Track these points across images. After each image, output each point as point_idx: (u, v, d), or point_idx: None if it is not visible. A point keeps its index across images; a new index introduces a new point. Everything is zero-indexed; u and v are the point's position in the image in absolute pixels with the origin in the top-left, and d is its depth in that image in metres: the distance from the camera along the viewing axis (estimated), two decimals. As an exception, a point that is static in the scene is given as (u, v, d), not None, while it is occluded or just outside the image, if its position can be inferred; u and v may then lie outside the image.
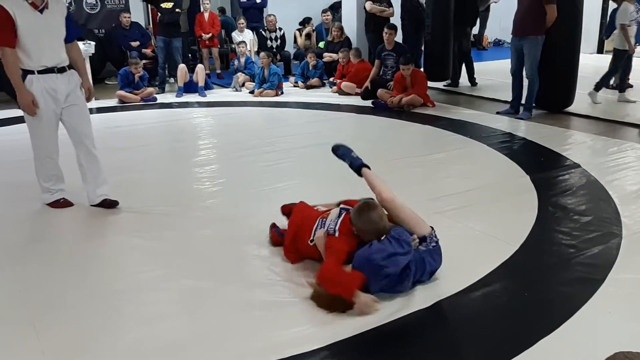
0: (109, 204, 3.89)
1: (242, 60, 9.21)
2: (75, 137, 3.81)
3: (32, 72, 3.55)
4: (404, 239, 2.70)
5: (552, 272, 2.98)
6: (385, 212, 2.84)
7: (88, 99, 3.90)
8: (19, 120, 6.84)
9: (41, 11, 3.52)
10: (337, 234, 2.80)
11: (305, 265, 2.98)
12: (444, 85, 8.55)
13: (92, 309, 2.66)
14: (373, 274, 2.61)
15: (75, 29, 3.95)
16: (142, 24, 10.29)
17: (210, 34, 10.13)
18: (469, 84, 8.53)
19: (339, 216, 2.91)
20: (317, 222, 2.97)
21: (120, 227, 3.67)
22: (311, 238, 2.94)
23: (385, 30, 7.87)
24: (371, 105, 7.42)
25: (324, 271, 2.67)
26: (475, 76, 8.55)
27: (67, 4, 8.77)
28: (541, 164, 4.84)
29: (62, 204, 3.95)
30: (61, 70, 3.65)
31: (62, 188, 3.98)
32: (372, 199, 2.93)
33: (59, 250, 3.33)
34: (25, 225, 3.72)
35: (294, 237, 3.06)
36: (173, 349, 2.34)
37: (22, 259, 3.20)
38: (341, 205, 3.06)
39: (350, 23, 9.71)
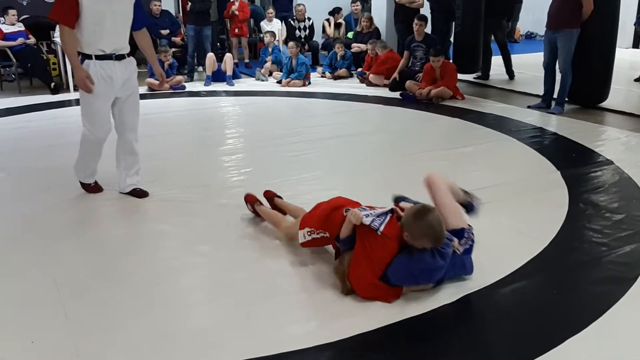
0: (139, 194, 3.91)
1: (270, 49, 9.22)
2: (121, 127, 3.80)
3: (89, 57, 3.50)
4: (447, 251, 2.58)
5: (582, 270, 2.91)
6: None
7: (160, 85, 4.05)
8: (49, 105, 7.02)
9: None
10: (379, 233, 2.57)
11: (330, 256, 2.97)
12: (474, 78, 8.43)
13: (121, 294, 2.69)
14: (405, 280, 2.58)
15: (144, 16, 3.91)
16: (172, 12, 10.35)
17: (237, 4, 10.00)
18: (507, 78, 8.39)
19: (386, 214, 2.65)
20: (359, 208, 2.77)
21: (148, 214, 3.71)
22: (347, 209, 2.73)
23: (415, 21, 7.78)
24: (399, 97, 7.36)
25: (360, 281, 2.57)
26: (513, 69, 8.42)
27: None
28: (573, 160, 4.73)
29: (92, 188, 3.98)
30: (119, 57, 3.57)
31: (95, 180, 4.01)
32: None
33: (89, 235, 3.39)
34: (55, 211, 3.77)
35: (326, 215, 2.83)
36: (200, 336, 2.36)
37: (54, 243, 3.25)
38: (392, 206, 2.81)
39: (380, 13, 9.63)
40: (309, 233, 2.86)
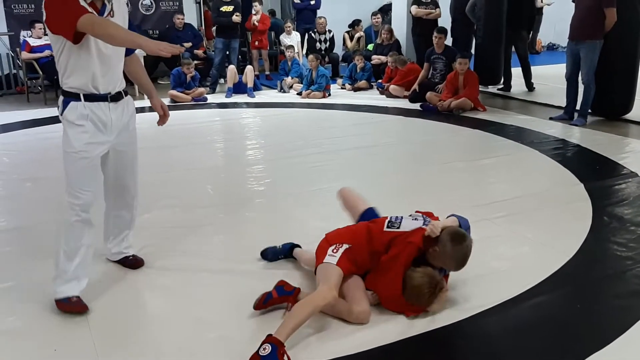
0: (131, 263, 3.03)
1: (290, 63, 9.29)
2: (115, 188, 2.84)
3: (76, 97, 2.52)
4: None
5: (606, 284, 2.87)
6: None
7: (162, 120, 3.07)
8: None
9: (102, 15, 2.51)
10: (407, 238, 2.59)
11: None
12: (497, 90, 8.38)
13: (142, 301, 2.72)
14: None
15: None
16: (195, 25, 10.50)
17: (259, 16, 10.08)
18: (526, 89, 8.34)
19: (415, 219, 2.69)
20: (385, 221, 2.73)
21: (167, 222, 3.72)
22: (385, 228, 2.67)
23: (435, 34, 7.77)
24: (419, 109, 7.34)
25: (390, 298, 2.56)
26: (532, 81, 8.36)
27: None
28: (596, 172, 4.67)
29: (74, 304, 2.62)
30: (116, 97, 2.64)
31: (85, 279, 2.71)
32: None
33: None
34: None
35: (365, 240, 2.69)
36: (218, 345, 2.36)
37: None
38: (417, 212, 2.81)
39: (400, 25, 9.65)
40: (334, 250, 2.62)
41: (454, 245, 2.50)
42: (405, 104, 7.74)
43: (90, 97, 2.54)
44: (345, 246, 2.64)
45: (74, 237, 2.59)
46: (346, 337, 2.39)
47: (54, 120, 6.95)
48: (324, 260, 2.58)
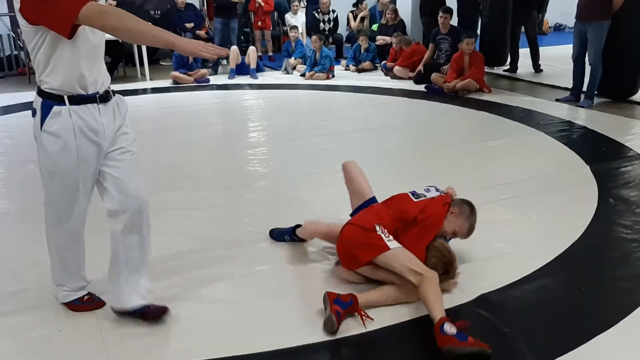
0: (152, 315, 2.35)
1: (293, 44, 9.20)
2: (119, 203, 2.22)
3: (60, 101, 2.09)
4: None
5: (611, 266, 2.85)
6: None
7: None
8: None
9: None
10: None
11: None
12: (503, 71, 8.30)
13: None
14: None
15: None
16: (197, 5, 10.40)
17: None
18: (532, 70, 8.25)
19: (428, 190, 2.82)
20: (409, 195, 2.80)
21: (171, 204, 3.69)
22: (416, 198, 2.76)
23: (440, 14, 7.68)
24: (424, 90, 7.28)
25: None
26: (539, 62, 8.27)
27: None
28: (602, 154, 4.63)
29: (86, 302, 2.46)
30: (104, 98, 2.19)
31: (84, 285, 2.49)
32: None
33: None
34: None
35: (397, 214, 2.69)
36: (227, 331, 2.37)
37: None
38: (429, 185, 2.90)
39: (405, 5, 9.56)
40: (387, 235, 2.53)
41: (471, 208, 2.74)
42: (410, 85, 7.68)
43: (77, 100, 2.10)
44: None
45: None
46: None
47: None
48: (391, 247, 2.47)
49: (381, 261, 2.48)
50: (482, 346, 2.12)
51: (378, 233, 2.51)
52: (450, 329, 2.15)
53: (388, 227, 2.58)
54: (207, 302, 2.55)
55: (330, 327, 2.27)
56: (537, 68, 8.27)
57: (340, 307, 2.30)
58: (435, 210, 2.68)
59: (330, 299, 2.33)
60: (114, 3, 7.96)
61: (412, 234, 2.62)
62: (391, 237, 2.52)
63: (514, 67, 8.28)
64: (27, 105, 6.39)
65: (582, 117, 5.81)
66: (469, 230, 2.73)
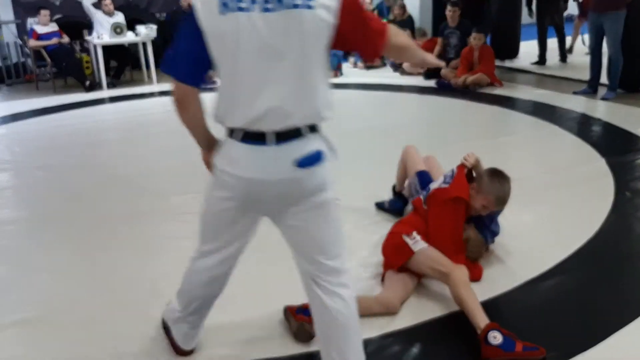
0: None
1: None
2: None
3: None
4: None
5: (629, 262, 2.79)
6: None
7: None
8: (84, 104, 7.11)
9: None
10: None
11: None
12: (531, 64, 8.21)
13: (137, 291, 2.68)
14: None
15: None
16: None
17: None
18: (559, 61, 8.23)
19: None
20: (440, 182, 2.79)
21: (184, 208, 3.67)
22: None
23: (449, 7, 7.60)
24: (434, 86, 7.21)
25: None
26: (566, 52, 8.28)
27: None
28: (619, 147, 4.54)
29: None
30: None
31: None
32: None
33: (132, 232, 3.39)
34: (100, 206, 3.81)
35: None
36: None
37: (95, 240, 3.28)
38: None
39: (413, 1, 9.45)
40: (412, 237, 2.53)
41: (491, 178, 2.60)
42: (419, 81, 7.61)
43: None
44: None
45: None
46: (377, 320, 2.35)
47: (64, 108, 6.95)
48: (415, 250, 2.47)
49: (411, 265, 2.50)
50: (531, 356, 2.05)
51: (404, 238, 2.52)
52: (494, 339, 2.07)
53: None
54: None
55: (306, 335, 2.19)
56: (564, 58, 8.22)
57: (305, 315, 2.20)
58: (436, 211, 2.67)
59: (292, 311, 2.27)
60: (112, 5, 7.94)
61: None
62: (418, 238, 2.50)
63: (542, 59, 8.19)
64: (35, 112, 6.38)
65: (598, 109, 5.71)
66: (498, 200, 2.61)
